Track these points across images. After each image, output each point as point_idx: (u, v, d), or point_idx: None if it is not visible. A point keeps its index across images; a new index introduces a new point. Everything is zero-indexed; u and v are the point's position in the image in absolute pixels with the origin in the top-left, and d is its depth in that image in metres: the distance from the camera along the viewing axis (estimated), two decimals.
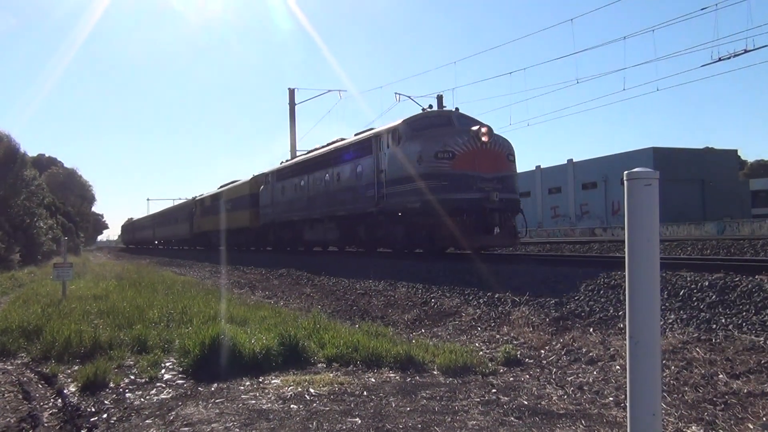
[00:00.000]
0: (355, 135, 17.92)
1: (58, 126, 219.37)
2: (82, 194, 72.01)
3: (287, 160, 26.31)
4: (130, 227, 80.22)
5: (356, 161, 16.58)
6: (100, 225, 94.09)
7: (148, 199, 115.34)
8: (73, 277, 11.14)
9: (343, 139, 19.34)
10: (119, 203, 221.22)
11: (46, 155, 68.82)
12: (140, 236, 69.94)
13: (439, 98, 27.53)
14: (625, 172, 2.10)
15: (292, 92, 34.99)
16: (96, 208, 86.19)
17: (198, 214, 38.56)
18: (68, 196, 60.80)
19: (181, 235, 44.76)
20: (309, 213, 20.05)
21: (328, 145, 20.22)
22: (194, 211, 39.73)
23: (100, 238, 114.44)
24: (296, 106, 35.04)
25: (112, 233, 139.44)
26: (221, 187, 34.57)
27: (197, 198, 39.88)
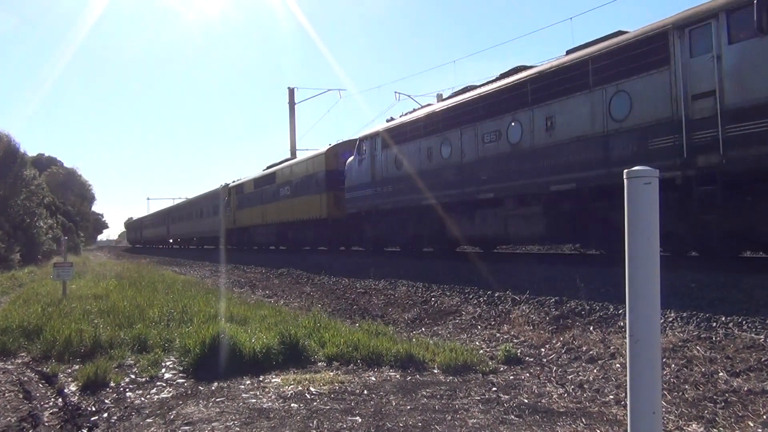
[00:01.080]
0: (574, 50, 10.30)
1: (57, 126, 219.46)
2: (82, 194, 71.96)
3: (392, 119, 16.47)
4: (137, 224, 71.92)
5: (604, 88, 9.18)
6: (100, 224, 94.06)
7: (148, 199, 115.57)
8: (73, 277, 11.14)
9: (526, 68, 11.49)
10: (119, 203, 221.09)
11: (46, 155, 68.80)
12: (150, 235, 60.92)
13: (438, 97, 27.56)
14: (625, 171, 2.10)
15: (291, 91, 35.03)
16: (96, 208, 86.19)
17: (234, 205, 29.86)
18: (68, 195, 60.79)
19: (207, 232, 36.07)
20: (467, 191, 12.28)
21: (500, 77, 12.02)
22: (227, 200, 31.07)
23: (100, 237, 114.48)
24: (296, 106, 35.04)
25: (112, 233, 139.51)
26: (270, 167, 26.84)
27: (231, 184, 31.05)
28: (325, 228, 20.19)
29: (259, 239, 27.59)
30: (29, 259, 23.93)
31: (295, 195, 22.27)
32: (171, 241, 51.47)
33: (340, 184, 18.30)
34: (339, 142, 20.39)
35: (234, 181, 31.08)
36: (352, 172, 17.37)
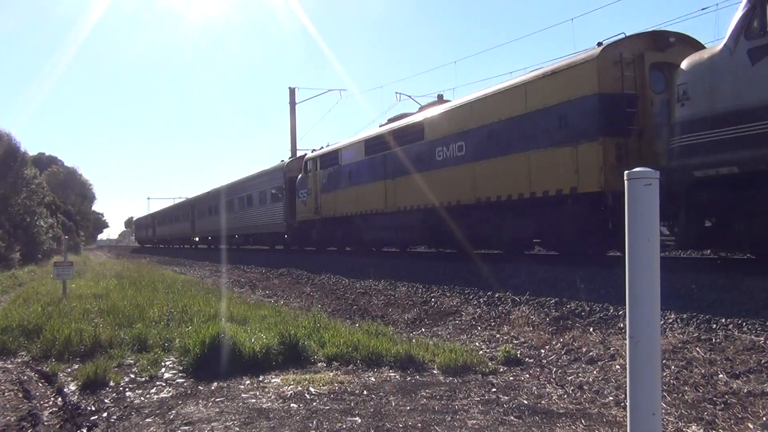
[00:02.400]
0: None
1: (58, 125, 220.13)
2: (82, 193, 72.06)
3: None
4: (148, 221, 62.09)
5: None
6: (100, 224, 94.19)
7: (148, 198, 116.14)
8: (73, 276, 11.15)
9: None
10: (119, 202, 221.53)
11: (47, 154, 68.96)
12: (166, 232, 51.05)
13: (440, 97, 27.55)
14: (626, 172, 2.11)
15: (292, 91, 34.99)
16: (96, 207, 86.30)
17: (316, 185, 19.68)
18: (68, 194, 60.83)
19: (260, 227, 26.09)
20: None
21: None
22: (301, 179, 21.13)
23: (100, 237, 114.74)
24: (297, 105, 35.02)
25: (112, 232, 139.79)
26: (395, 118, 16.84)
27: (311, 154, 21.14)
28: (585, 216, 9.85)
29: (377, 236, 16.68)
30: (29, 258, 23.95)
31: (488, 154, 11.52)
32: (197, 239, 40.09)
33: (627, 123, 9.30)
34: (619, 36, 9.71)
35: (314, 150, 21.08)
36: (724, 81, 7.47)
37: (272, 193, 24.66)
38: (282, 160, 25.12)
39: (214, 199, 34.60)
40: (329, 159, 19.24)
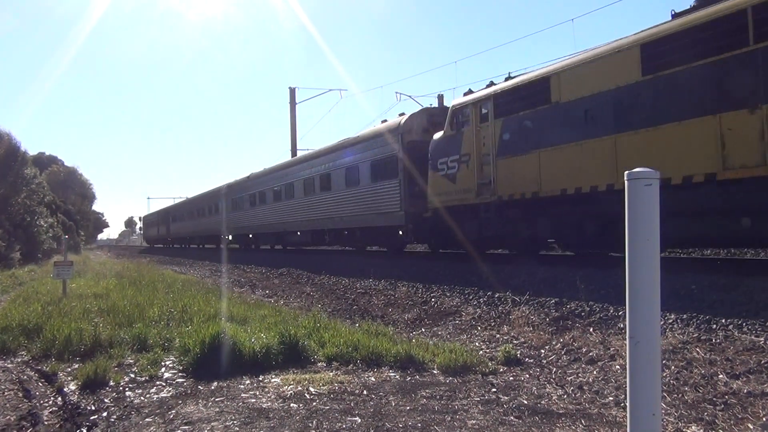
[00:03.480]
0: None
1: (58, 125, 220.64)
2: (83, 193, 72.07)
3: None
4: (160, 217, 52.34)
5: None
6: (100, 223, 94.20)
7: (148, 198, 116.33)
8: (73, 276, 11.15)
9: None
10: (119, 202, 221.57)
11: (47, 154, 68.98)
12: (184, 230, 41.91)
13: (440, 97, 27.56)
14: (626, 172, 2.11)
15: (292, 91, 35.02)
16: (96, 207, 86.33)
17: (477, 150, 11.67)
18: (68, 194, 60.85)
19: (343, 221, 17.96)
20: None
21: None
22: (437, 143, 13.11)
23: (100, 236, 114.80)
24: (297, 105, 35.02)
25: (112, 232, 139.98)
26: (684, 11, 8.07)
27: (463, 100, 12.23)
28: None
29: (676, 230, 7.56)
30: (29, 257, 23.96)
31: None
32: (230, 238, 30.99)
33: None
34: None
35: (469, 91, 12.84)
36: None
37: (376, 167, 16.13)
38: (384, 120, 16.55)
39: (262, 183, 25.24)
40: (520, 98, 10.99)
